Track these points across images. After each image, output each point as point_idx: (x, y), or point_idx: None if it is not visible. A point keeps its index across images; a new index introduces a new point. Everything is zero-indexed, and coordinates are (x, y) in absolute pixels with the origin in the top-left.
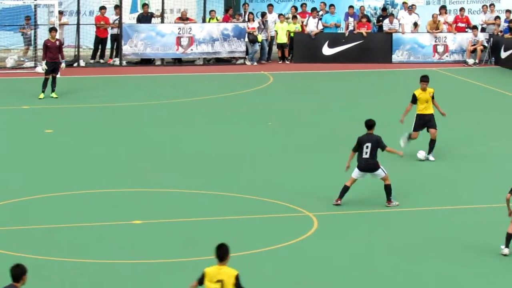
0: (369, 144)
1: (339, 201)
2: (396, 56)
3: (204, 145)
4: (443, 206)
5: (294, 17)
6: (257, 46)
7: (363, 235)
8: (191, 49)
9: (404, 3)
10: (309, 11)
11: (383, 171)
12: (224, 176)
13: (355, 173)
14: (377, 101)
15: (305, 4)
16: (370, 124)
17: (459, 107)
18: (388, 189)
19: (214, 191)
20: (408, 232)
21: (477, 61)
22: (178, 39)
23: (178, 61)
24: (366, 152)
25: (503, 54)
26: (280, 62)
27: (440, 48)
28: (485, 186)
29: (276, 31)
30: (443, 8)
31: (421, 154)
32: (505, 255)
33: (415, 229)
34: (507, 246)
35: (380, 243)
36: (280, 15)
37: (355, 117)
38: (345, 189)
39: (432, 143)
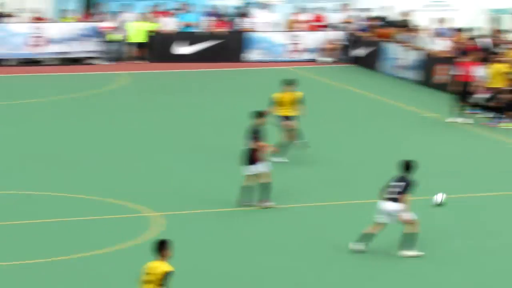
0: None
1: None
2: (251, 55)
3: (47, 146)
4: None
5: (151, 16)
6: (113, 46)
7: (211, 235)
8: (44, 49)
9: (259, 1)
10: (167, 10)
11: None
12: (67, 177)
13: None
14: (229, 100)
15: (162, 3)
16: None
17: (312, 106)
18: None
19: (56, 192)
20: (260, 229)
21: (333, 59)
22: (31, 38)
23: (31, 62)
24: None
25: (359, 53)
26: (137, 61)
27: (295, 47)
28: (342, 186)
29: (132, 30)
30: (299, 8)
31: None
32: (357, 250)
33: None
34: (361, 242)
35: (226, 242)
36: (136, 14)
37: (206, 116)
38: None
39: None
